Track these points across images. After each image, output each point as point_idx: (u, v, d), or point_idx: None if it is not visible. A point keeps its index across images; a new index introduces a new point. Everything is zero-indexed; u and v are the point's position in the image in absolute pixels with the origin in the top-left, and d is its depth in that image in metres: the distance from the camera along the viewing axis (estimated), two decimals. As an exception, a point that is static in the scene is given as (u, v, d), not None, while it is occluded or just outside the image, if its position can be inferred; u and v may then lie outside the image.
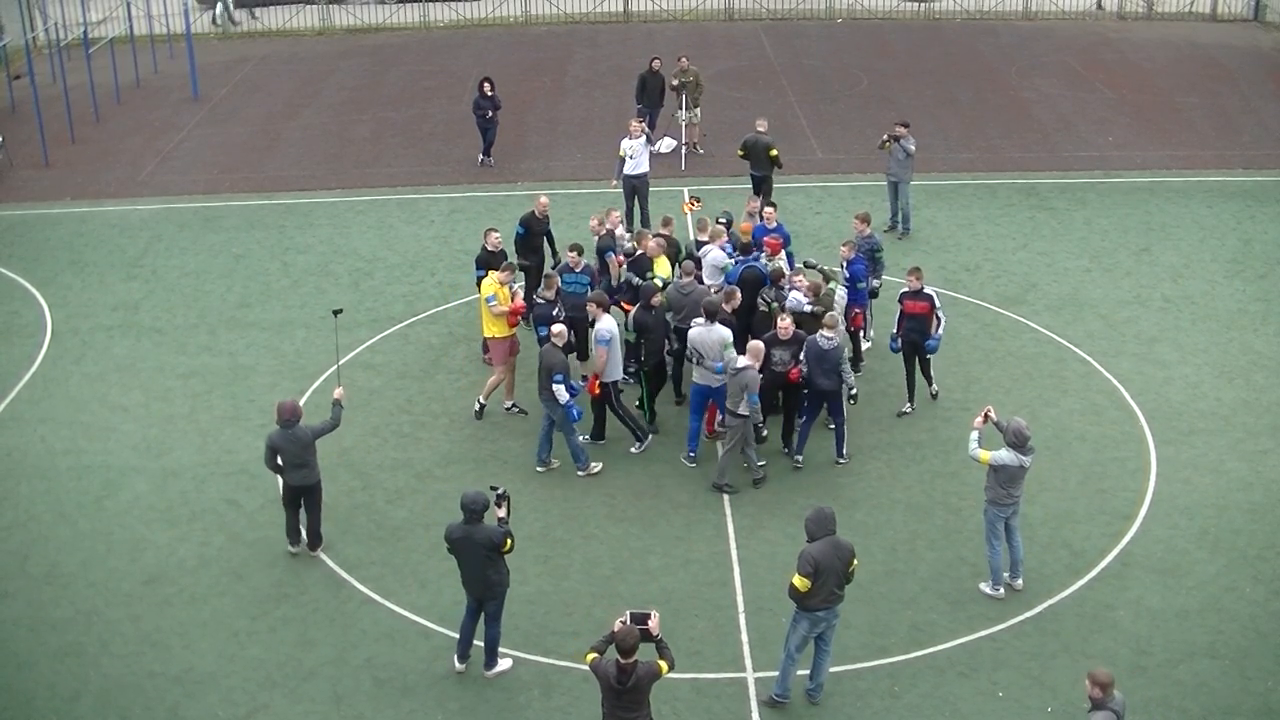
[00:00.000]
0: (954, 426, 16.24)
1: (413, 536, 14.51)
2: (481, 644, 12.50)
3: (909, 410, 16.60)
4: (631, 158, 21.50)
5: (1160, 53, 32.82)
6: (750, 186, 21.84)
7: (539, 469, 15.55)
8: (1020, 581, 13.49)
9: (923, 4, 37.34)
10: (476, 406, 16.69)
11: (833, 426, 15.66)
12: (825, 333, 15.07)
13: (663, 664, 10.55)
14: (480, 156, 25.55)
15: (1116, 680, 11.69)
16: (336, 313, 15.79)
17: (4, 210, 23.90)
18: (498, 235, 17.54)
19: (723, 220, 17.77)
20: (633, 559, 14.11)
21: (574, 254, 16.99)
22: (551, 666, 12.63)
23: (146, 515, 15.03)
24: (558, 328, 15.29)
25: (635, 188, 21.67)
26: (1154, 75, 30.94)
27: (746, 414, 14.70)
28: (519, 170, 25.36)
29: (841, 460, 15.65)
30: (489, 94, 24.78)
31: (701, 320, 15.21)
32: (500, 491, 12.24)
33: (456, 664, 12.58)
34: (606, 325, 15.47)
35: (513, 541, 12.05)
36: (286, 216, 23.37)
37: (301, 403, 17.01)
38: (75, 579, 13.98)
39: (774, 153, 21.49)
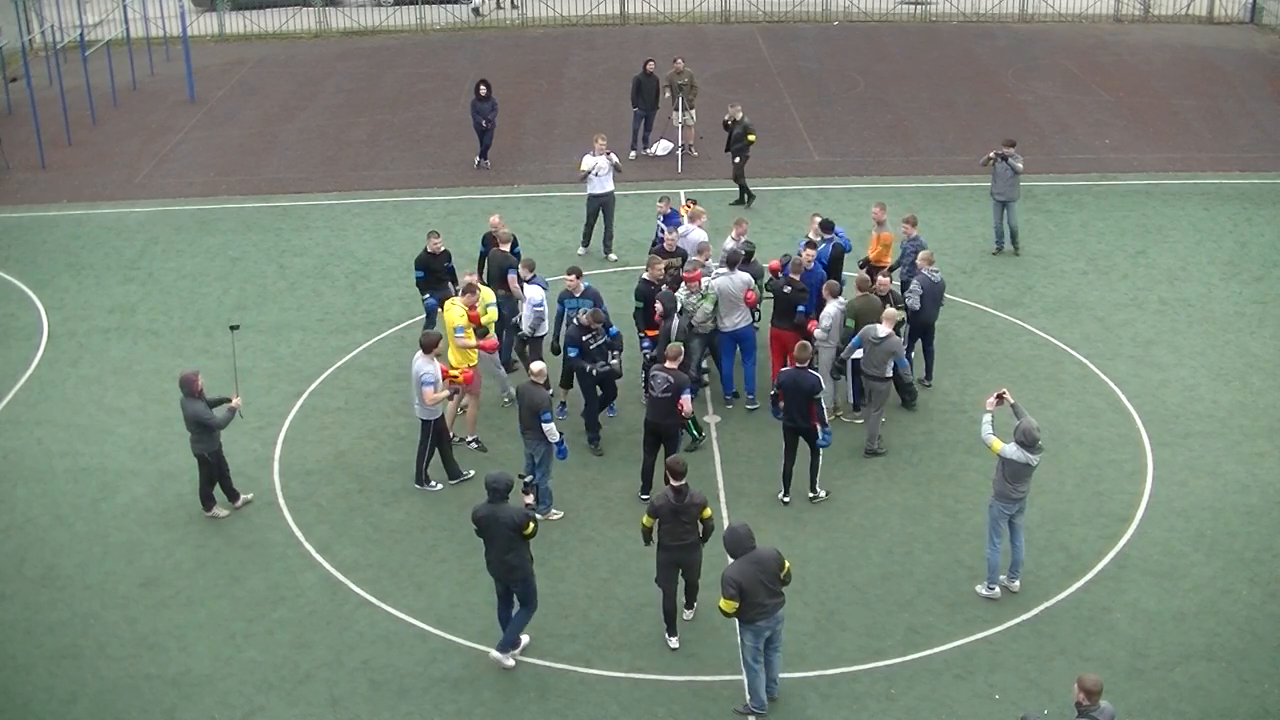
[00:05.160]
0: (950, 429, 16.26)
1: (409, 539, 14.51)
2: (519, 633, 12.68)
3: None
4: (595, 175, 20.48)
5: (1157, 55, 32.87)
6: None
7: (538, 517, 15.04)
8: (1017, 584, 13.49)
9: (919, 6, 37.38)
10: (470, 441, 16.24)
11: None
12: (933, 268, 16.79)
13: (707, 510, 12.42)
14: (477, 159, 25.55)
15: (1113, 684, 11.73)
16: (233, 328, 15.98)
17: (0, 213, 23.89)
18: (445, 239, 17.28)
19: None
20: (629, 561, 14.09)
21: (572, 277, 16.34)
22: (548, 669, 12.63)
23: (143, 518, 15.02)
24: (537, 366, 14.45)
25: (603, 205, 20.80)
26: (1151, 78, 30.97)
27: (890, 376, 15.62)
28: (515, 173, 25.36)
29: (928, 384, 17.16)
30: (486, 96, 24.78)
31: (724, 271, 16.40)
32: (529, 480, 12.72)
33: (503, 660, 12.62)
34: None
35: (536, 526, 12.30)
36: (283, 219, 23.37)
37: (298, 405, 17.14)
38: (72, 581, 13.98)
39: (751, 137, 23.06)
